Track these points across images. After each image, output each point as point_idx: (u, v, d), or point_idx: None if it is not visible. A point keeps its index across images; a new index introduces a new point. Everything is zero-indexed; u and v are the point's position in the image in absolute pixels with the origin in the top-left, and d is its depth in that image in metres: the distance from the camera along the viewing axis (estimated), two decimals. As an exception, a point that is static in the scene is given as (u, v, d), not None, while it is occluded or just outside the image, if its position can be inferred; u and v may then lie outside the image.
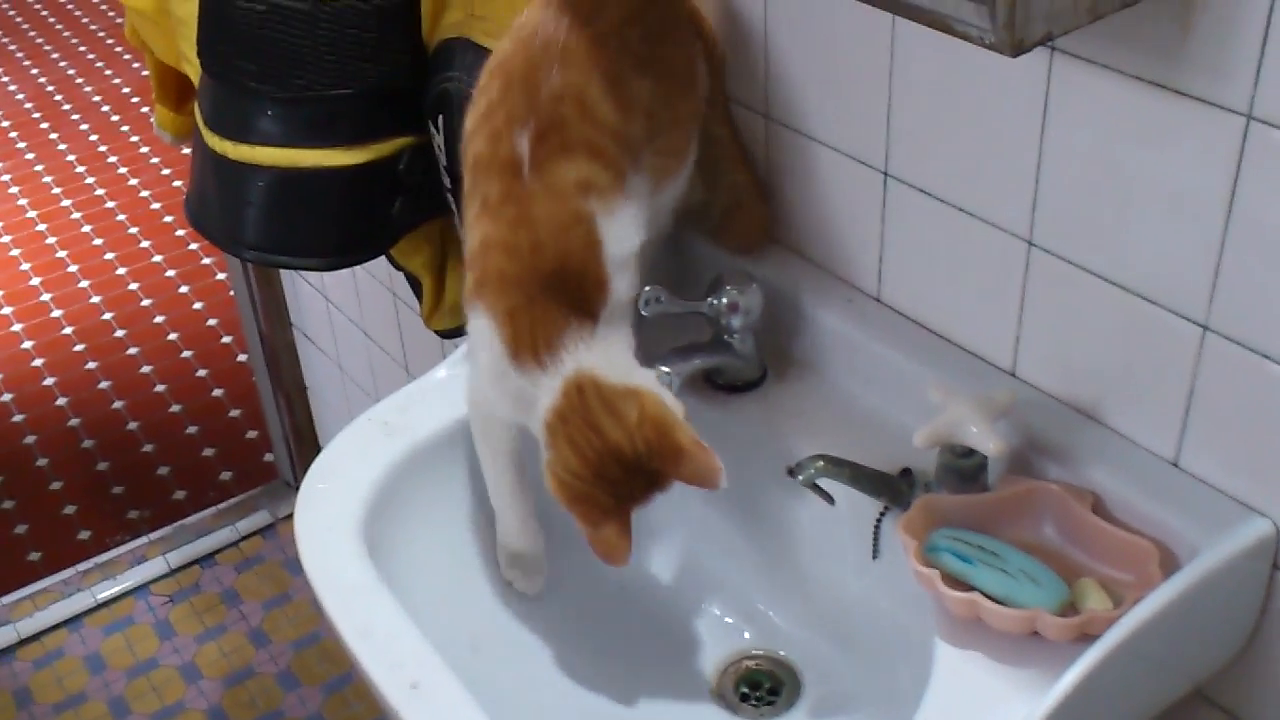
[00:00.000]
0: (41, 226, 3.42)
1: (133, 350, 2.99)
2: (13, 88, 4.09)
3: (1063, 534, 0.94)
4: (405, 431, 1.10)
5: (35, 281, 3.22)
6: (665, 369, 1.05)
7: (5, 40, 4.37)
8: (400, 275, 1.50)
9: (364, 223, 1.27)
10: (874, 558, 1.02)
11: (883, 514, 1.01)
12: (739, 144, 1.17)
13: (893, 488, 0.99)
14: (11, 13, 4.54)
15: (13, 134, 3.84)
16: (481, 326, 0.98)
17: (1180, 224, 0.85)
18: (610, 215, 0.97)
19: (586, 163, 0.97)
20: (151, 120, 1.83)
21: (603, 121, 0.98)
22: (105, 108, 3.94)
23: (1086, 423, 0.97)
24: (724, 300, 1.09)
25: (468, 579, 1.11)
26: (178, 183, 3.48)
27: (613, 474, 0.93)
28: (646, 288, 1.05)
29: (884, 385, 1.08)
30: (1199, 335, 0.87)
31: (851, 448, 1.01)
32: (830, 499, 1.03)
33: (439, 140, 1.22)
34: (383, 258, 1.42)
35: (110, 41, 4.28)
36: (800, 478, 0.98)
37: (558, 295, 0.95)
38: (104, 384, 2.89)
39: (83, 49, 4.29)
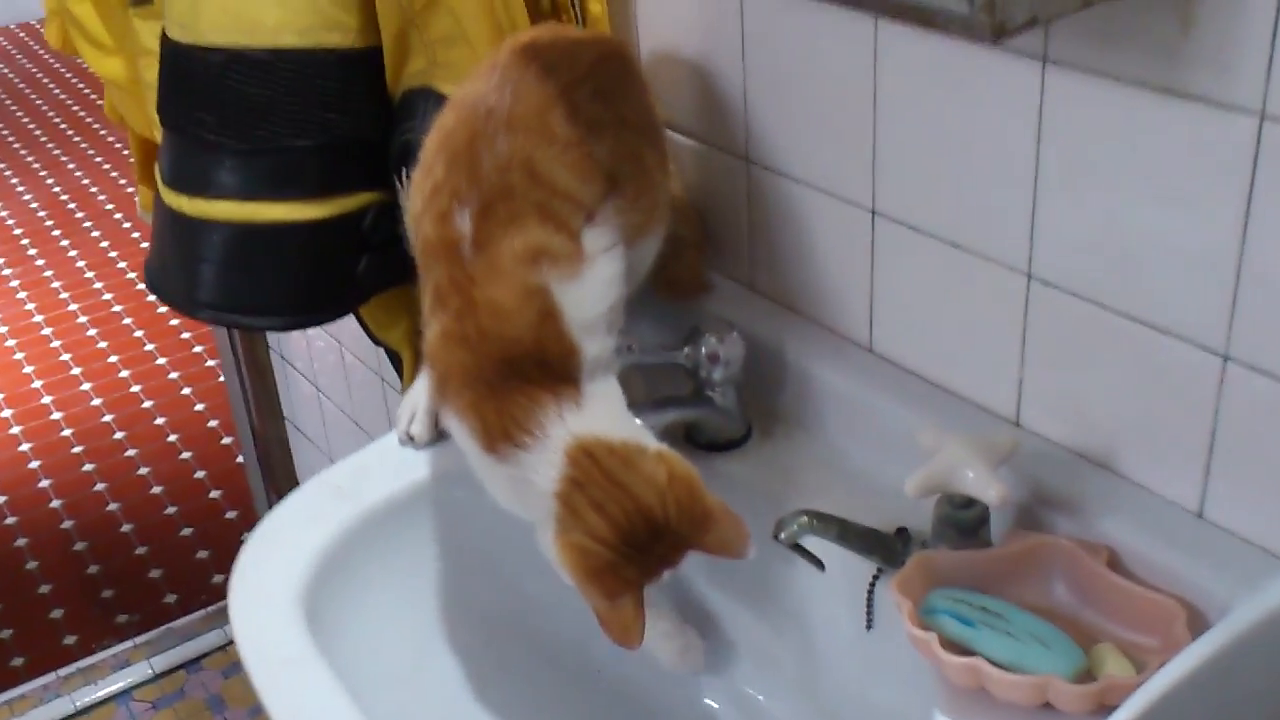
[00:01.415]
0: (46, 330, 3.39)
1: (131, 452, 2.92)
2: (27, 197, 4.10)
3: (1076, 594, 0.83)
4: (358, 496, 1.02)
5: (37, 384, 3.17)
6: (637, 422, 0.96)
7: (24, 153, 4.40)
8: (385, 355, 1.42)
9: (327, 281, 1.20)
10: (868, 628, 0.92)
11: (876, 578, 0.91)
12: (683, 197, 1.12)
13: (886, 546, 0.89)
14: (31, 126, 4.58)
15: (24, 240, 3.84)
16: (454, 427, 0.91)
17: (1192, 240, 0.77)
18: (570, 280, 0.89)
19: (538, 228, 0.89)
20: (137, 203, 1.78)
21: (555, 186, 0.90)
22: (118, 215, 3.93)
23: (1099, 472, 0.88)
24: (702, 350, 1.00)
25: (421, 656, 1.01)
26: (185, 286, 3.44)
27: (640, 540, 0.84)
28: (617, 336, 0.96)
29: (878, 441, 0.98)
30: (1219, 366, 0.78)
31: (844, 508, 0.91)
32: (820, 564, 0.93)
33: (404, 196, 1.15)
34: (363, 333, 1.35)
35: (126, 152, 4.29)
36: (782, 536, 0.89)
37: (519, 377, 0.87)
38: (100, 485, 2.82)
39: (98, 159, 4.30)
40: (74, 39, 1.55)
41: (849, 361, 1.02)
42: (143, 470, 2.86)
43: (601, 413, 0.88)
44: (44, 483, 2.85)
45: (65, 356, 3.27)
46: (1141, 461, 0.86)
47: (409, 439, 1.06)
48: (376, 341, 1.34)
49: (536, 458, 0.86)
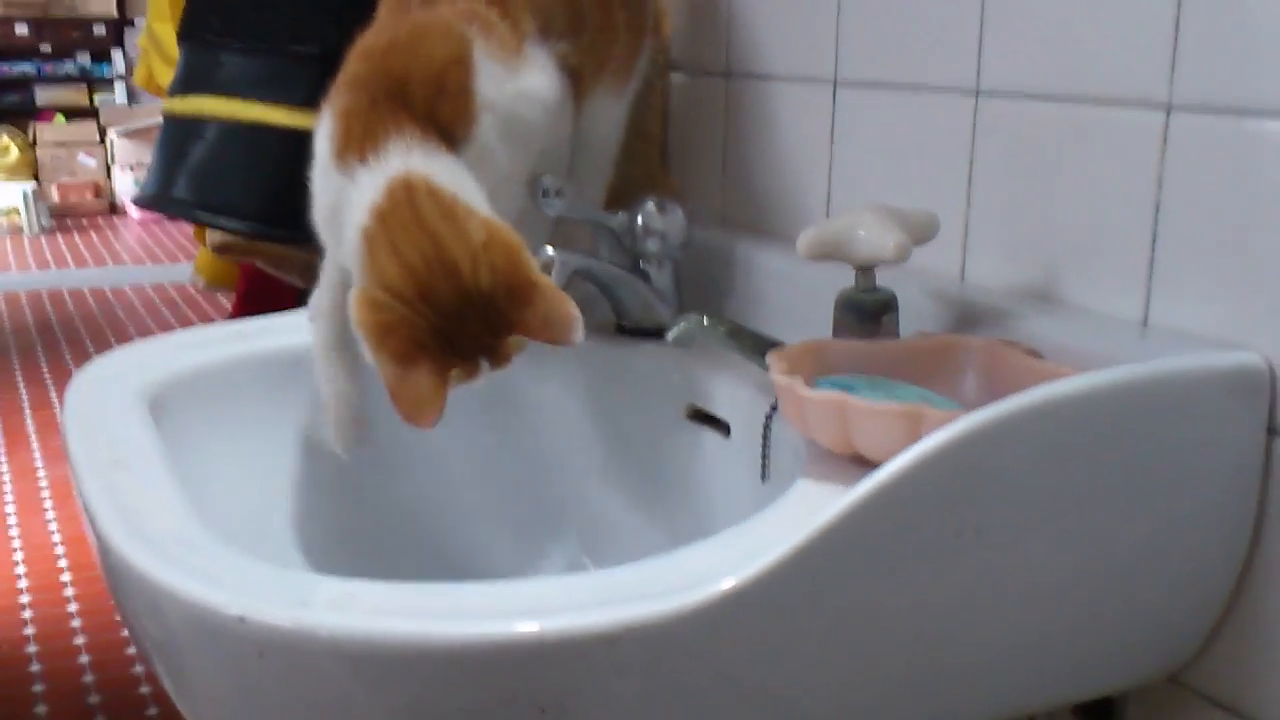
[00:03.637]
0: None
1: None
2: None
3: (988, 388, 0.75)
4: (254, 339, 1.00)
5: None
6: (550, 251, 0.92)
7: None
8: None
9: (297, 195, 1.22)
10: (763, 479, 0.83)
11: (772, 412, 0.83)
12: (662, 146, 1.15)
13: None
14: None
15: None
16: (321, 130, 0.88)
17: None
18: (492, 53, 0.88)
19: (483, 4, 0.91)
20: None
21: None
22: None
23: (1037, 300, 0.81)
24: (639, 217, 0.97)
25: (265, 482, 0.95)
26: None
27: (441, 299, 0.77)
28: (545, 176, 0.94)
29: (823, 323, 0.92)
30: (1162, 122, 0.73)
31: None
32: (726, 427, 0.86)
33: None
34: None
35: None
36: (671, 336, 0.83)
37: (405, 103, 0.85)
38: None
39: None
40: (151, 62, 1.69)
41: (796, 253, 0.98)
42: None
43: (452, 171, 0.83)
44: None
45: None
46: (1082, 283, 0.79)
47: None
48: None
49: (369, 176, 0.81)
